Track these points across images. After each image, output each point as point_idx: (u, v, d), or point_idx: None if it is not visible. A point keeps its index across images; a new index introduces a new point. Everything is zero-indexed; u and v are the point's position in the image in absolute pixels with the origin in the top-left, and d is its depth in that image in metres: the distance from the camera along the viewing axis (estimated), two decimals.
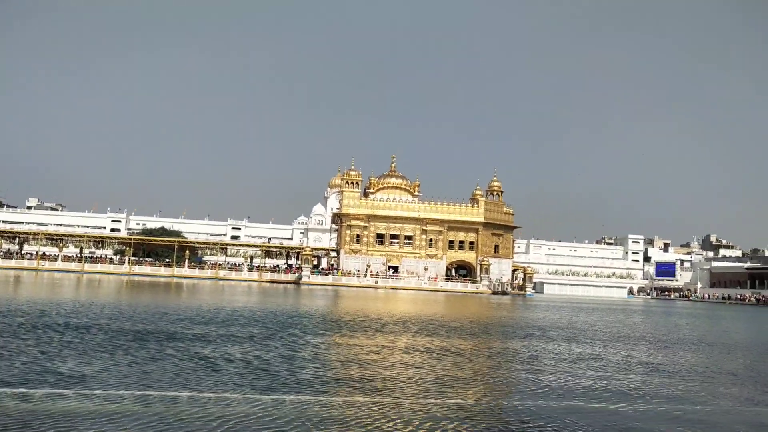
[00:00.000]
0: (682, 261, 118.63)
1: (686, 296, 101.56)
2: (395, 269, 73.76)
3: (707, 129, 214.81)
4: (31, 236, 76.44)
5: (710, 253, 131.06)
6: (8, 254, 71.91)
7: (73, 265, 69.47)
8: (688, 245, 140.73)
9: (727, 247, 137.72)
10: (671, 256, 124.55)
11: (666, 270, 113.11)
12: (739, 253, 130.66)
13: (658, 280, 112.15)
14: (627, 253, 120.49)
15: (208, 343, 13.99)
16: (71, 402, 7.92)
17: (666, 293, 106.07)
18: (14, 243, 76.72)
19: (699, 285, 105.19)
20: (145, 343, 13.35)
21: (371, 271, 71.59)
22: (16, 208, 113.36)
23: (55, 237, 76.61)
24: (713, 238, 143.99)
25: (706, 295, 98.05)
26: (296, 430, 7.20)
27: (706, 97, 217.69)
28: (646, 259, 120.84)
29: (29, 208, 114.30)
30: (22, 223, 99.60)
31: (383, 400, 9.07)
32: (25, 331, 14.28)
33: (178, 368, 10.67)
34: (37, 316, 17.64)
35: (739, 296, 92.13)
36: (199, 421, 7.34)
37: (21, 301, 23.03)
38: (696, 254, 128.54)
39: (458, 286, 71.91)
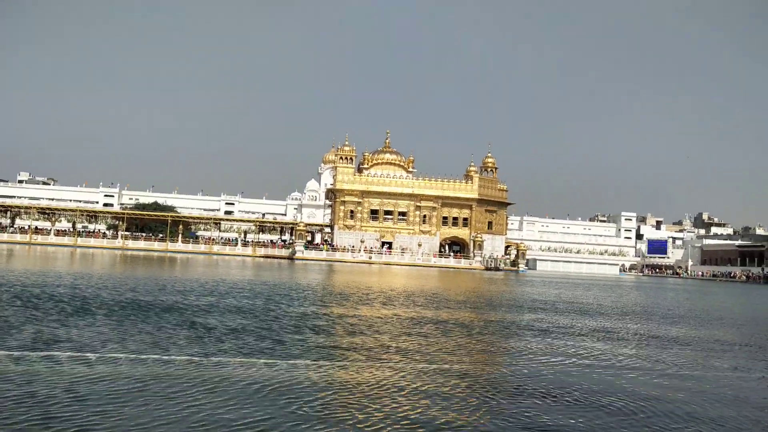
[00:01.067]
0: (674, 239, 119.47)
1: (677, 273, 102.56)
2: (389, 245, 73.94)
3: (700, 108, 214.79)
4: (23, 210, 75.96)
5: (702, 231, 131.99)
6: (1, 228, 71.53)
7: (66, 239, 69.21)
8: (680, 223, 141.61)
9: (718, 225, 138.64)
10: (663, 233, 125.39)
11: (658, 247, 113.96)
12: (730, 231, 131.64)
13: (650, 257, 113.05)
14: (619, 230, 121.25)
15: (216, 314, 13.89)
16: (86, 366, 7.92)
17: (658, 270, 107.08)
18: (6, 217, 76.27)
19: (690, 262, 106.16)
20: (153, 314, 13.26)
21: (365, 247, 71.76)
22: (7, 182, 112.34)
23: (47, 211, 76.16)
24: (705, 216, 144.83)
25: (700, 273, 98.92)
26: (304, 391, 7.22)
27: (698, 74, 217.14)
28: (639, 236, 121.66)
29: (20, 182, 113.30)
30: (14, 197, 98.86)
31: (398, 365, 9.15)
32: (26, 301, 14.17)
33: (187, 337, 10.67)
34: (39, 287, 17.56)
35: (730, 273, 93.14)
36: (219, 384, 7.36)
37: (20, 273, 22.89)
38: (688, 232, 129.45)
39: (451, 261, 72.27)
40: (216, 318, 13.27)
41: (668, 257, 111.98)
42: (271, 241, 79.03)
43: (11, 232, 70.33)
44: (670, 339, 14.46)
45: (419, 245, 73.29)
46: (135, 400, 6.56)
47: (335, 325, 13.42)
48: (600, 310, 21.85)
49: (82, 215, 76.96)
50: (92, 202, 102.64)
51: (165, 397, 6.73)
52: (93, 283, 20.10)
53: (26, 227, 72.00)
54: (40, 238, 68.77)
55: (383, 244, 73.98)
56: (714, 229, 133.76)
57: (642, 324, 17.62)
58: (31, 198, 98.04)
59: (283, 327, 12.48)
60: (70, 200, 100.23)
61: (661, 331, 16.15)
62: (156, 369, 8.01)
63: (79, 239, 69.53)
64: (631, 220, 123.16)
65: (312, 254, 69.93)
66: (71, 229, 73.75)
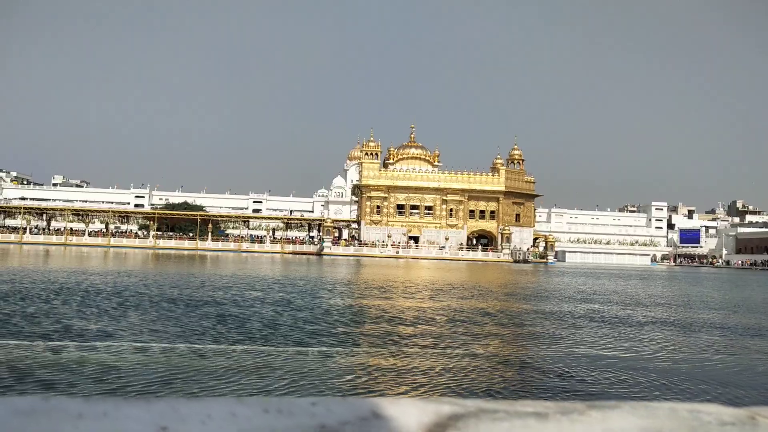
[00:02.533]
0: (707, 227, 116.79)
1: (711, 263, 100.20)
2: (416, 239, 73.92)
3: (733, 93, 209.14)
4: (58, 212, 78.03)
5: (736, 219, 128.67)
6: (37, 230, 73.67)
7: (100, 240, 70.88)
8: (713, 212, 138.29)
9: (753, 212, 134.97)
10: (696, 222, 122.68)
11: (690, 237, 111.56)
12: (766, 218, 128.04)
13: (683, 247, 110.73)
14: (650, 220, 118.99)
15: (269, 308, 13.94)
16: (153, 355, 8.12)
17: (690, 260, 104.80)
18: (42, 219, 78.47)
19: (724, 251, 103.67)
20: (203, 308, 13.35)
21: (393, 242, 71.86)
22: (42, 185, 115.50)
23: (81, 213, 78.10)
24: (739, 204, 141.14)
25: (740, 262, 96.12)
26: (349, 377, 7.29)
27: (732, 59, 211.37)
28: (670, 226, 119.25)
29: (55, 185, 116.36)
30: (49, 200, 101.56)
31: (477, 353, 9.21)
32: (77, 298, 14.45)
33: (248, 328, 10.79)
34: (86, 285, 17.90)
35: (767, 262, 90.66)
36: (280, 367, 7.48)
37: (67, 273, 23.40)
38: (721, 221, 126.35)
39: (479, 255, 71.91)
40: (269, 311, 13.31)
41: (701, 246, 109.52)
42: (299, 237, 79.77)
43: (48, 234, 72.32)
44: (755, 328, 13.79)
45: (446, 239, 73.08)
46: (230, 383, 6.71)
47: (393, 316, 13.32)
48: (655, 300, 20.96)
49: (115, 216, 78.72)
50: (124, 203, 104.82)
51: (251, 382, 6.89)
52: (139, 281, 20.34)
53: (62, 229, 73.92)
54: (75, 239, 70.55)
55: (410, 238, 73.97)
56: (749, 217, 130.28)
57: (712, 314, 16.68)
58: (65, 200, 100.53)
59: (336, 319, 12.46)
60: (103, 202, 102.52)
61: (739, 321, 15.34)
62: (223, 359, 8.12)
63: (112, 239, 71.13)
64: (662, 209, 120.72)
65: (340, 250, 70.28)
66: (104, 230, 75.49)
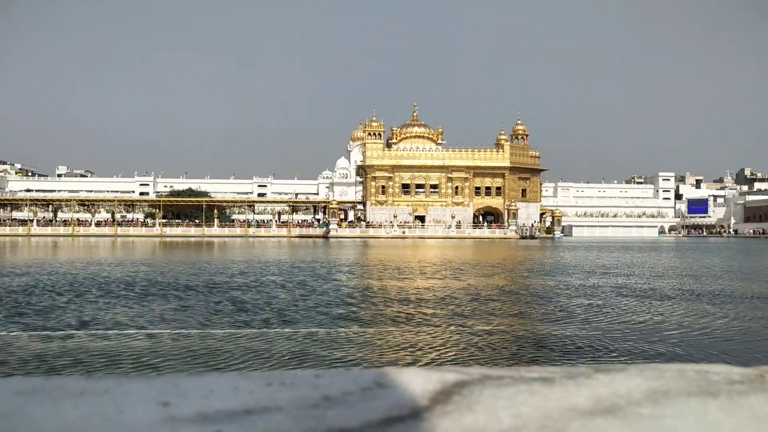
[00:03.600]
0: (716, 197, 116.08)
1: (720, 233, 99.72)
2: (422, 218, 73.76)
3: (739, 60, 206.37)
4: (64, 203, 78.09)
5: (744, 187, 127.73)
6: (44, 222, 73.81)
7: (106, 230, 71.02)
8: (721, 180, 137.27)
9: (762, 180, 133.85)
10: (704, 192, 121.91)
11: (698, 207, 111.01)
12: None
13: (690, 217, 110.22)
14: (657, 191, 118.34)
15: (293, 291, 13.86)
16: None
17: (699, 230, 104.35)
18: (48, 210, 78.59)
19: (733, 220, 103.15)
20: (224, 294, 13.30)
21: (399, 222, 71.73)
22: (47, 176, 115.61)
23: (86, 202, 78.17)
24: (747, 172, 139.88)
25: (751, 231, 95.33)
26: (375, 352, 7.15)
27: (737, 25, 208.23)
28: (678, 196, 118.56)
29: (59, 176, 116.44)
30: (54, 191, 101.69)
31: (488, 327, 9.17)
32: (98, 288, 14.33)
33: (283, 312, 10.74)
34: (103, 274, 17.79)
35: None
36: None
37: (83, 263, 23.25)
38: (730, 189, 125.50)
39: (486, 232, 71.74)
40: (294, 293, 13.23)
41: (709, 216, 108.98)
42: (305, 220, 79.72)
43: (55, 225, 72.46)
44: None
45: (453, 217, 72.86)
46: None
47: (420, 297, 13.09)
48: (678, 272, 20.59)
49: (120, 205, 78.77)
50: (129, 192, 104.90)
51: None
52: (155, 270, 20.08)
53: (69, 219, 74.00)
54: (81, 230, 70.71)
55: (416, 218, 73.81)
56: (757, 185, 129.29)
57: (741, 284, 16.29)
58: (70, 191, 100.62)
59: (361, 300, 12.39)
60: (108, 191, 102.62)
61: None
62: (258, 342, 8.04)
63: (119, 229, 71.24)
64: (669, 180, 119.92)
65: (346, 232, 70.21)
66: (111, 219, 75.56)
